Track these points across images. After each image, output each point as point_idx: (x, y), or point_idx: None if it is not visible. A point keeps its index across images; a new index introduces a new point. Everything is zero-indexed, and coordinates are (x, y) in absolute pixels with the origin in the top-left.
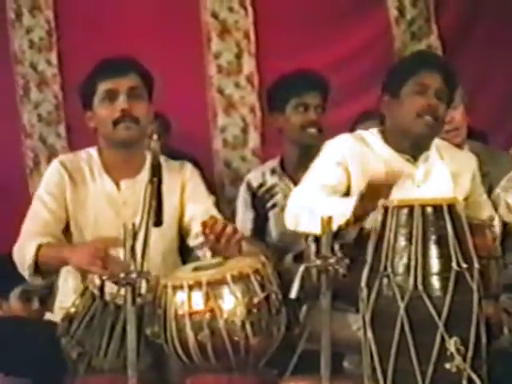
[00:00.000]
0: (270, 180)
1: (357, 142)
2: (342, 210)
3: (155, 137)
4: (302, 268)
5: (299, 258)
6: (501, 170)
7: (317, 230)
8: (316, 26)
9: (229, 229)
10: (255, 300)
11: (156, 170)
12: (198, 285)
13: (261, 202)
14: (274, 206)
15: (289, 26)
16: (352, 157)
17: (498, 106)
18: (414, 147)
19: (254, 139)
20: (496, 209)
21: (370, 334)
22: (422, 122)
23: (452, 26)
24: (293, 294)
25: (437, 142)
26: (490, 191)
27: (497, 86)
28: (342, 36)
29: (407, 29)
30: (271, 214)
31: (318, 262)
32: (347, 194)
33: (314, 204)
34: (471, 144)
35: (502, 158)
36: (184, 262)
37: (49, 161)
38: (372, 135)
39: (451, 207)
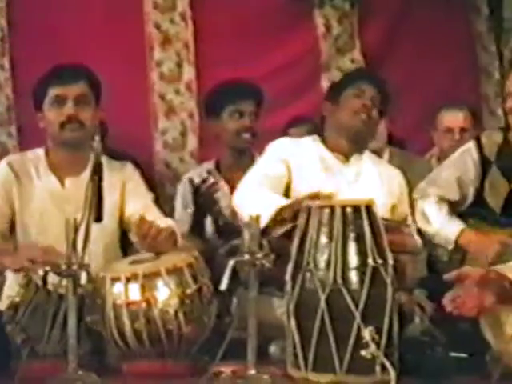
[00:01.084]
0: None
1: (295, 144)
2: (271, 209)
3: (97, 138)
4: (231, 262)
5: (233, 252)
6: (417, 174)
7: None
8: (252, 39)
9: (153, 230)
10: (188, 291)
11: (97, 169)
12: (135, 277)
13: (204, 197)
14: (213, 202)
15: (226, 37)
16: (292, 157)
17: (416, 114)
18: (350, 145)
19: (192, 142)
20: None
21: (293, 323)
22: (358, 119)
23: (373, 42)
24: (222, 286)
25: (371, 154)
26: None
27: (416, 97)
28: (275, 48)
29: (333, 44)
30: (210, 210)
31: (247, 256)
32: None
33: (253, 198)
34: (391, 150)
35: (419, 164)
36: (126, 254)
37: (0, 159)
38: (309, 139)
39: (369, 208)
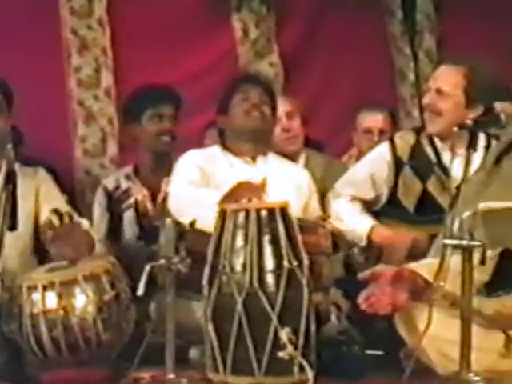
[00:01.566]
0: (125, 185)
1: (205, 153)
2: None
3: (9, 146)
4: (147, 267)
5: (152, 257)
6: (334, 176)
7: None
8: (170, 44)
9: (68, 224)
10: (105, 298)
11: (10, 177)
12: (52, 285)
13: (116, 203)
14: (128, 207)
15: (145, 43)
16: (205, 165)
17: (335, 117)
18: (252, 146)
19: (112, 148)
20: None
21: (211, 327)
22: (252, 118)
23: (291, 45)
24: (139, 292)
25: (275, 155)
26: (323, 196)
27: (334, 99)
28: (193, 53)
29: (251, 48)
30: (125, 216)
31: (162, 261)
32: None
33: (190, 202)
34: (308, 152)
35: (336, 166)
36: (42, 261)
37: None
38: (216, 148)
39: (283, 210)
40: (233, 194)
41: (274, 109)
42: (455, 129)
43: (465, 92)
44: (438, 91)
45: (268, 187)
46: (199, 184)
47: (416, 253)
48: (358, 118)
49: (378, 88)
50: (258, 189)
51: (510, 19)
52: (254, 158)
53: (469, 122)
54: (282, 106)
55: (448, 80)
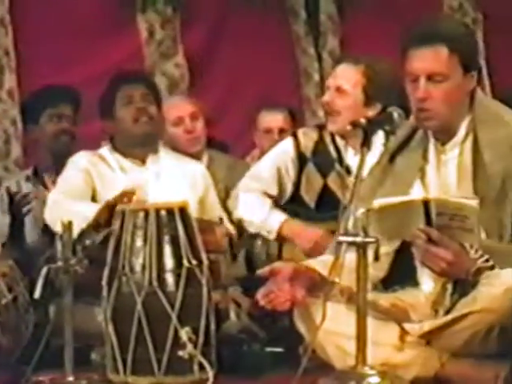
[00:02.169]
0: (25, 187)
1: (94, 155)
2: (85, 215)
3: None
4: (44, 269)
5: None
6: (237, 176)
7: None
8: (74, 45)
9: None
10: (3, 301)
11: None
12: None
13: (17, 207)
14: (29, 211)
15: (48, 44)
16: (93, 167)
17: (240, 118)
18: (142, 149)
19: (16, 150)
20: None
21: (111, 328)
22: (140, 124)
23: (196, 46)
24: (36, 295)
25: (167, 150)
26: (227, 196)
27: (241, 100)
28: (97, 54)
29: (156, 49)
30: (27, 219)
31: (60, 263)
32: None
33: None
34: (211, 152)
35: (238, 166)
36: None
37: None
38: (106, 149)
39: (182, 210)
40: (107, 206)
41: (159, 105)
42: (348, 127)
43: (364, 90)
44: (338, 89)
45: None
46: (81, 190)
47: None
48: (259, 118)
49: (283, 88)
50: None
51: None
52: (143, 159)
53: (362, 120)
54: (186, 108)
55: (348, 78)
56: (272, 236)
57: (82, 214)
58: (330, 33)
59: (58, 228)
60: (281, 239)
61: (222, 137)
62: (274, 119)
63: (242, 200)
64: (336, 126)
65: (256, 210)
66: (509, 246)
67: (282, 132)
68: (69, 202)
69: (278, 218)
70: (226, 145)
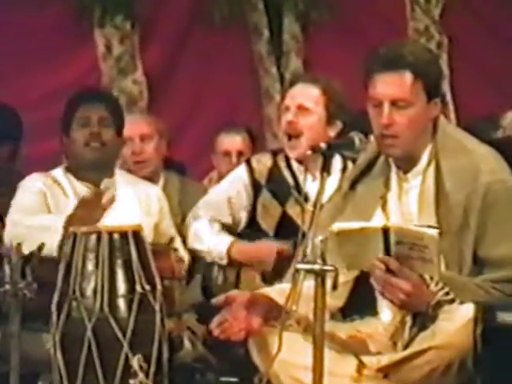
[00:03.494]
0: None
1: (47, 177)
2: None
3: None
4: None
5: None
6: (193, 199)
7: None
8: (27, 61)
9: None
10: None
11: None
12: None
13: None
14: None
15: (4, 61)
16: (47, 189)
17: (199, 139)
18: (93, 174)
19: None
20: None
21: (59, 355)
22: (90, 149)
23: (155, 63)
24: None
25: (123, 173)
26: (183, 219)
27: (201, 120)
28: (54, 70)
29: (114, 65)
30: None
31: (8, 286)
32: None
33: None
34: (167, 174)
35: (195, 189)
36: None
37: None
38: (59, 171)
39: (136, 234)
40: (75, 216)
41: (119, 128)
42: (309, 152)
43: (326, 108)
44: (300, 108)
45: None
46: (36, 210)
47: (282, 265)
48: (217, 139)
49: (244, 108)
50: (97, 205)
51: (373, 40)
52: (97, 183)
53: (322, 145)
54: (137, 127)
55: (309, 96)
56: (224, 261)
57: (54, 226)
58: (293, 53)
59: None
60: (237, 264)
61: (181, 157)
62: (232, 141)
63: (193, 229)
64: (297, 151)
65: (205, 239)
66: (469, 278)
67: (240, 155)
68: (31, 219)
69: (225, 241)
70: (185, 166)
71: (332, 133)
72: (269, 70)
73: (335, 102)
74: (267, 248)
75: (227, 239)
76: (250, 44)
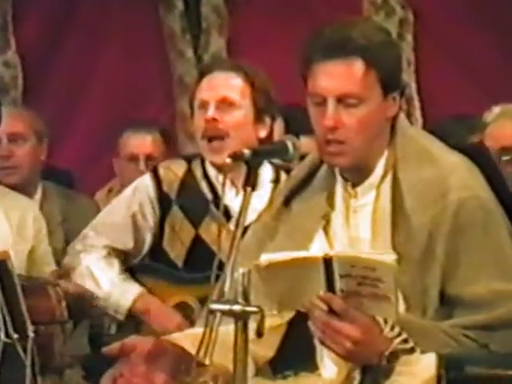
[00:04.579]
0: None
1: None
2: None
3: None
4: None
5: None
6: (81, 217)
7: None
8: None
9: None
10: None
11: None
12: None
13: None
14: None
15: None
16: None
17: (89, 139)
18: None
19: None
20: None
21: None
22: None
23: (33, 41)
24: None
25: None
26: (67, 244)
27: (90, 115)
28: None
29: None
30: None
31: None
32: None
33: None
34: (46, 186)
35: (83, 203)
36: None
37: None
38: None
39: (1, 264)
40: None
41: None
42: (228, 160)
43: (253, 102)
44: (224, 102)
45: None
46: None
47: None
48: (121, 140)
49: (150, 101)
50: None
51: (319, 14)
52: None
53: (246, 151)
54: (6, 125)
55: (233, 87)
56: (121, 316)
57: None
58: (215, 30)
59: None
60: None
61: (65, 164)
62: (140, 143)
63: (84, 264)
64: (221, 156)
65: (102, 282)
66: (434, 323)
67: (150, 160)
68: None
69: (129, 293)
70: (71, 175)
71: (262, 132)
72: (183, 51)
73: (263, 94)
74: (169, 319)
75: (133, 290)
76: (159, 18)
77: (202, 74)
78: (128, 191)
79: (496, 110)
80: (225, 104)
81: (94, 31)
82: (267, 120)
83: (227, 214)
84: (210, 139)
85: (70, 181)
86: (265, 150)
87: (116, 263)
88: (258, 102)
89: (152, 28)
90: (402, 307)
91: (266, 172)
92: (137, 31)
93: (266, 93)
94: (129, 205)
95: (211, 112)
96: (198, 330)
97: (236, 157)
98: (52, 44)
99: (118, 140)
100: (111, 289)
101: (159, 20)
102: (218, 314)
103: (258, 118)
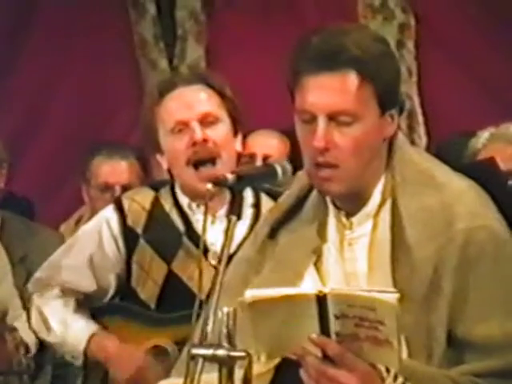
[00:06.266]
0: None
1: None
2: None
3: None
4: None
5: None
6: (43, 251)
7: None
8: None
9: None
10: None
11: None
12: None
13: None
14: None
15: None
16: None
17: (52, 162)
18: None
19: None
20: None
21: None
22: None
23: None
24: None
25: None
26: (27, 280)
27: (50, 135)
28: None
29: None
30: None
31: None
32: None
33: None
34: (6, 215)
35: (45, 235)
36: None
37: None
38: None
39: None
40: None
41: None
42: (209, 186)
43: (228, 113)
44: (207, 117)
45: None
46: None
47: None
48: (91, 166)
49: (118, 118)
50: None
51: (309, 19)
52: None
53: (229, 176)
54: None
55: (209, 100)
56: (79, 361)
57: None
58: (192, 37)
59: None
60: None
61: (25, 191)
62: (114, 171)
63: (36, 308)
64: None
65: (54, 325)
66: (441, 370)
67: (125, 189)
68: None
69: (84, 332)
70: (31, 204)
71: (238, 146)
72: (156, 61)
73: (233, 102)
74: (131, 357)
75: (87, 330)
76: (129, 24)
77: (161, 94)
78: (87, 228)
79: (485, 134)
80: (208, 120)
81: (59, 37)
82: (239, 134)
83: (204, 248)
84: (196, 165)
85: (29, 210)
86: (250, 175)
87: (71, 302)
88: (232, 112)
89: (122, 34)
90: (404, 352)
91: (245, 195)
92: (106, 39)
93: (234, 101)
94: (91, 242)
95: (199, 132)
96: (176, 380)
97: (219, 183)
98: (9, 50)
99: (88, 165)
100: (64, 331)
101: (130, 26)
102: (200, 360)
103: (235, 130)
